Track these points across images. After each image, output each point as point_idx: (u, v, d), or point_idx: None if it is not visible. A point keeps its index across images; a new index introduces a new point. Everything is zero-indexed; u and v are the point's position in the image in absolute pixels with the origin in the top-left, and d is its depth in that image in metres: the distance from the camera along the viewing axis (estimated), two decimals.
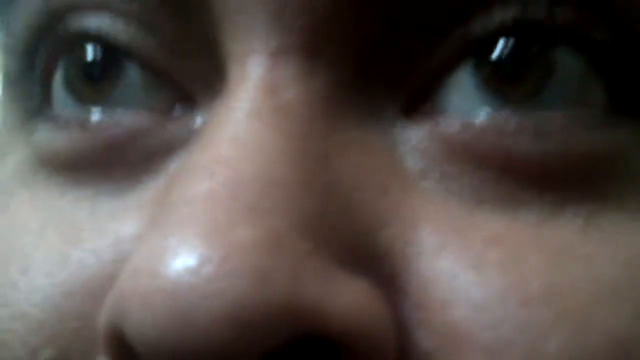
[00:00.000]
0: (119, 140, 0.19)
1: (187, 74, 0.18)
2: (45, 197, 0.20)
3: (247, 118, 0.16)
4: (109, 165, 0.19)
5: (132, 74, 0.19)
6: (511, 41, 0.17)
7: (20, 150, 0.21)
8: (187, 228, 0.15)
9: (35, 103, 0.20)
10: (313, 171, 0.16)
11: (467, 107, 0.17)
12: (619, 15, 0.17)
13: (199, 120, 0.18)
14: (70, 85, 0.20)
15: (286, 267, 0.15)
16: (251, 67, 0.17)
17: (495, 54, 0.17)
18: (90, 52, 0.19)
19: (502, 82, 0.17)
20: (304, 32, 0.17)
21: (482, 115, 0.17)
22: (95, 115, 0.19)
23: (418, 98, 0.18)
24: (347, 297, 0.15)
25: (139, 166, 0.19)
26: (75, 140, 0.19)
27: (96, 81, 0.19)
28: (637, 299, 0.16)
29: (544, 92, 0.17)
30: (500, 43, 0.17)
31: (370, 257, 0.16)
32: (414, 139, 0.17)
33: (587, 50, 0.17)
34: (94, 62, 0.19)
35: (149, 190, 0.18)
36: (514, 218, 0.17)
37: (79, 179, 0.19)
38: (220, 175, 0.15)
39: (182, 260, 0.14)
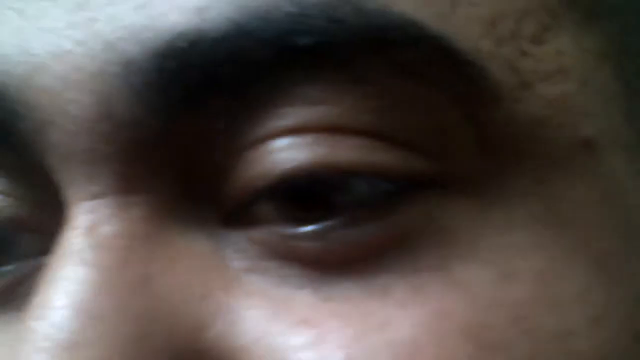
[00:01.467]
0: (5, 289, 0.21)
1: (45, 225, 0.20)
2: None
3: (69, 260, 0.18)
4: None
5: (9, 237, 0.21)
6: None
7: None
8: None
9: None
10: (130, 297, 0.18)
11: (270, 219, 0.19)
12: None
13: None
14: None
15: None
16: (75, 210, 0.19)
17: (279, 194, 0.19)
18: None
19: (292, 210, 0.19)
20: (116, 175, 0.19)
21: (280, 228, 0.19)
22: None
23: (234, 210, 0.19)
24: None
25: (19, 306, 0.20)
26: None
27: None
28: (435, 356, 0.17)
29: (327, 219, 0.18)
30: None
31: None
32: (236, 243, 0.19)
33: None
34: None
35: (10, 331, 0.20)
36: (324, 299, 0.18)
37: None
38: (41, 320, 0.17)
39: None
